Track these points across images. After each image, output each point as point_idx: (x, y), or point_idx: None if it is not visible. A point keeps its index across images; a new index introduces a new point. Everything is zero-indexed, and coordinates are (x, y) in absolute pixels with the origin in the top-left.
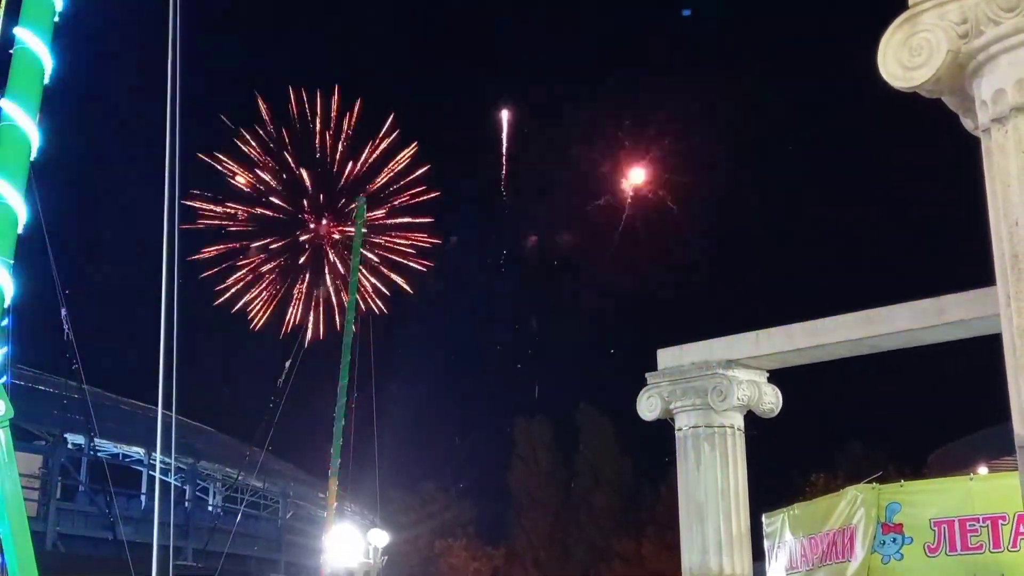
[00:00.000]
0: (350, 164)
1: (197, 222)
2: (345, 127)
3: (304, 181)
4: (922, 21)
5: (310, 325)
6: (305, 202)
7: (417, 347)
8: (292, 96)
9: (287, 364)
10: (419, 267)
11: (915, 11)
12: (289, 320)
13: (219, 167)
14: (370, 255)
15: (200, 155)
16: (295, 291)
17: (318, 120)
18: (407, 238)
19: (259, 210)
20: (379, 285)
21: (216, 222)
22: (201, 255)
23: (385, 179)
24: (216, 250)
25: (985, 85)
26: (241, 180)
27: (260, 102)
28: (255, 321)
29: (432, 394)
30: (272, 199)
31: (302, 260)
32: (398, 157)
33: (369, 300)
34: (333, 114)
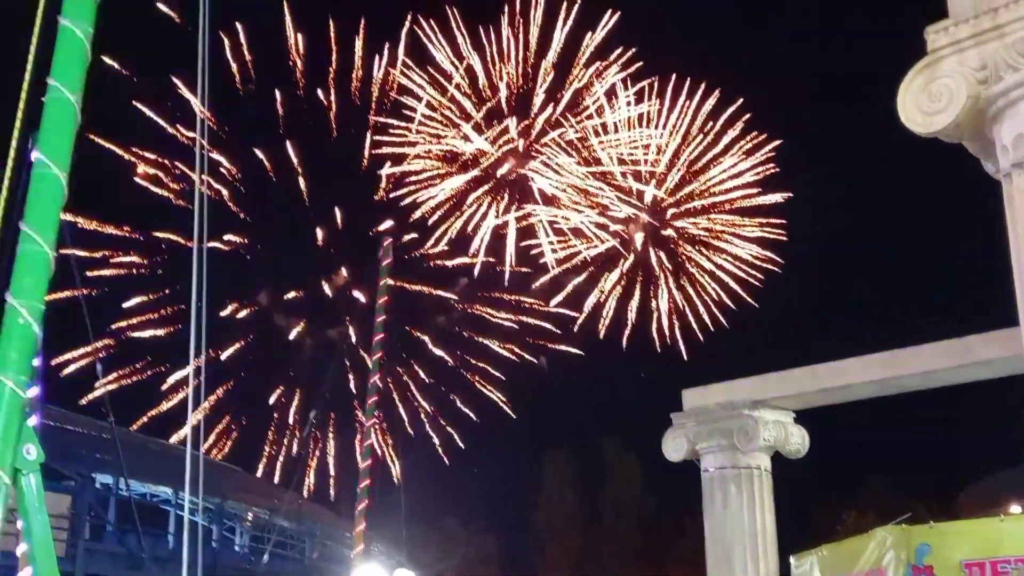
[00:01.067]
0: None
1: None
2: None
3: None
4: (941, 67)
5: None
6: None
7: (440, 381)
8: None
9: (312, 414)
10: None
11: (934, 57)
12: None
13: None
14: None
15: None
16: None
17: None
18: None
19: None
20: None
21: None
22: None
23: None
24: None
25: (1005, 130)
26: None
27: None
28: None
29: (456, 428)
30: None
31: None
32: None
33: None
34: None
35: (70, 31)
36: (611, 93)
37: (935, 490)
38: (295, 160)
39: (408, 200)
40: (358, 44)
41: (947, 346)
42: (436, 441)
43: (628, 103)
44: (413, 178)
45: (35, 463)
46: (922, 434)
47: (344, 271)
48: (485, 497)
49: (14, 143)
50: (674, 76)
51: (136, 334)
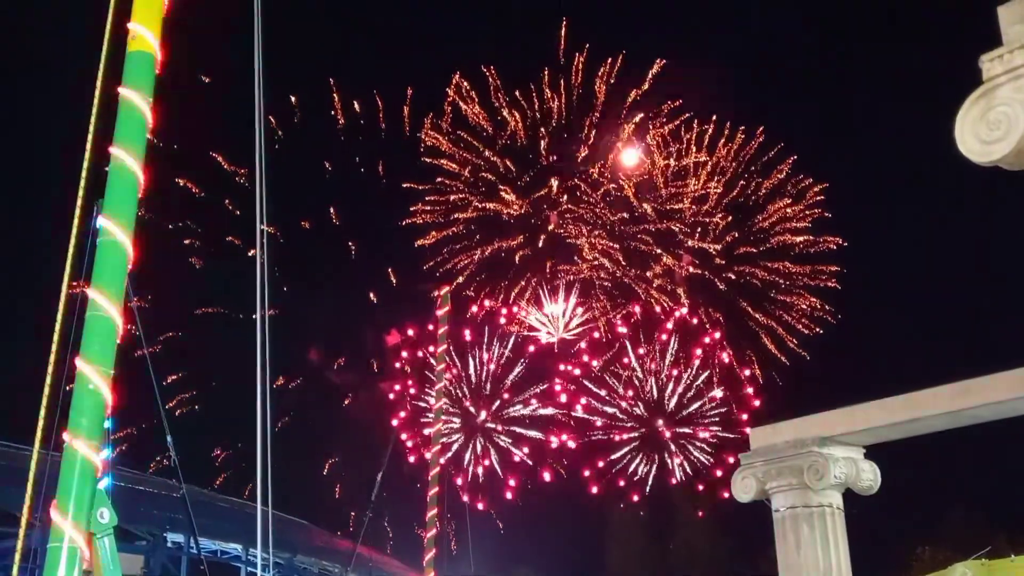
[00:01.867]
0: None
1: None
2: None
3: None
4: (999, 95)
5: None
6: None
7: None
8: None
9: (379, 476)
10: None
11: (991, 85)
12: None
13: None
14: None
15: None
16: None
17: None
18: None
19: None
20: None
21: None
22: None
23: None
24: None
25: None
26: None
27: None
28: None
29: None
30: None
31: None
32: None
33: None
34: None
35: (130, 101)
36: (656, 146)
37: (1016, 522)
38: (340, 223)
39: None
40: (404, 110)
41: (1018, 375)
42: (507, 486)
43: (673, 154)
44: (462, 242)
45: (108, 526)
46: (999, 463)
47: (399, 331)
48: (556, 545)
49: (78, 211)
50: (715, 119)
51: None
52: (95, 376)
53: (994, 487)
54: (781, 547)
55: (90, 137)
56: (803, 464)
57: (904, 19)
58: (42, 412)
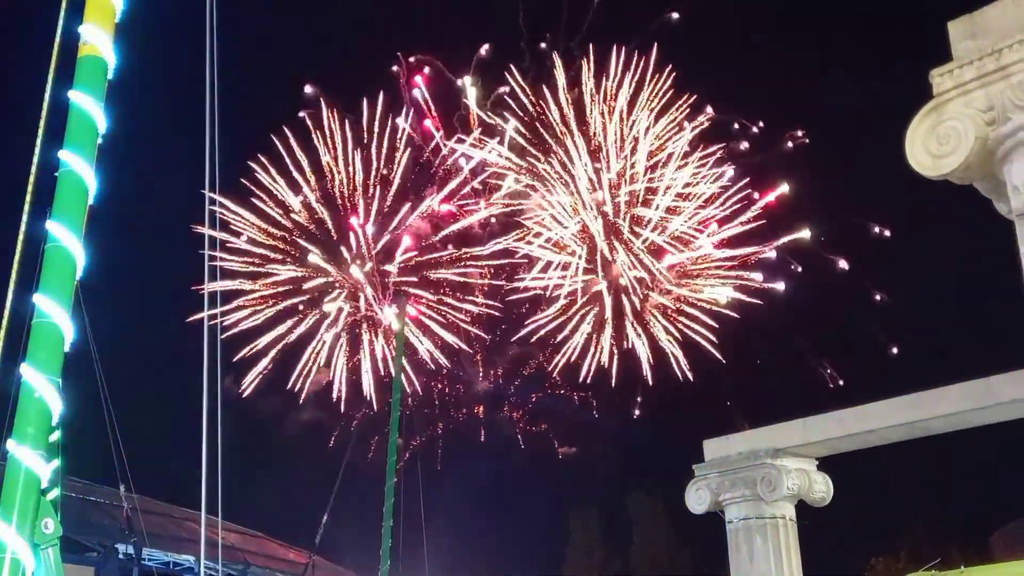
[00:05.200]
0: None
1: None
2: None
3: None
4: (948, 110)
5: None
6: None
7: (465, 441)
8: None
9: (337, 480)
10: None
11: (940, 100)
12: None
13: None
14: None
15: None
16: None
17: None
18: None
19: None
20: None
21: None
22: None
23: None
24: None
25: (1015, 171)
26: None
27: None
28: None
29: (481, 487)
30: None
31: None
32: None
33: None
34: None
35: (78, 106)
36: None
37: (968, 531)
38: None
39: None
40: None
41: (971, 387)
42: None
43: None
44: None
45: (53, 537)
46: (951, 475)
47: None
48: (512, 554)
49: (25, 216)
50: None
51: None
52: (41, 384)
53: (947, 499)
54: (734, 558)
55: (39, 142)
56: (756, 476)
57: (853, 33)
58: None
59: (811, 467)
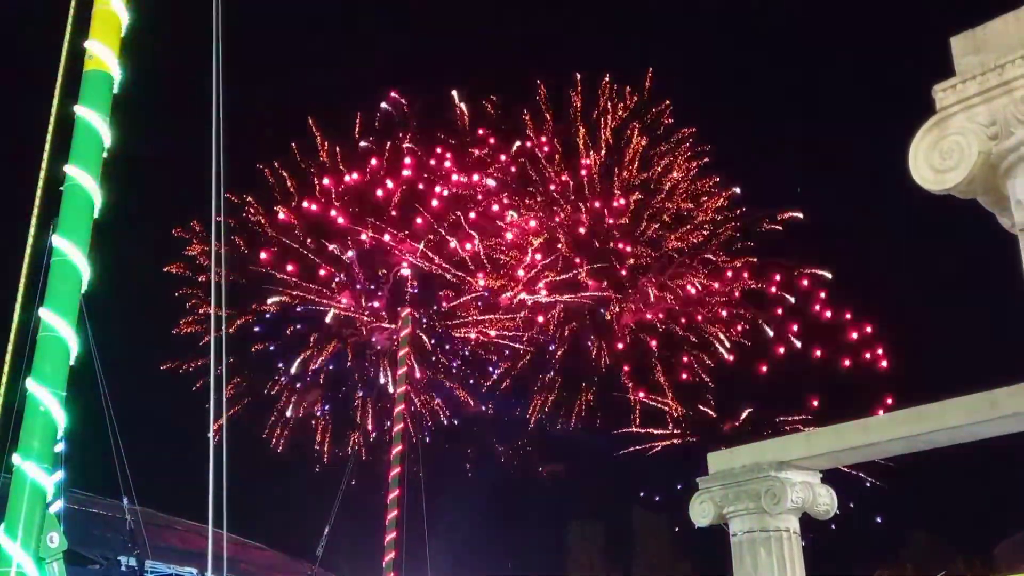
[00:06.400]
0: None
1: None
2: None
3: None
4: (951, 124)
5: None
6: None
7: (468, 452)
8: None
9: (338, 493)
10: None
11: (943, 115)
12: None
13: None
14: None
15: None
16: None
17: None
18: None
19: None
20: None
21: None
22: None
23: None
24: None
25: (1019, 185)
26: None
27: None
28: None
29: (483, 500)
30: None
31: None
32: None
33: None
34: None
35: (85, 120)
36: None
37: (973, 543)
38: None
39: None
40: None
41: (973, 400)
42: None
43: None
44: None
45: (58, 551)
46: (957, 486)
47: None
48: (513, 566)
49: (32, 230)
50: None
51: None
52: (47, 398)
53: (952, 512)
54: (738, 571)
55: (46, 156)
56: (760, 488)
57: (857, 46)
58: None
59: (815, 480)
